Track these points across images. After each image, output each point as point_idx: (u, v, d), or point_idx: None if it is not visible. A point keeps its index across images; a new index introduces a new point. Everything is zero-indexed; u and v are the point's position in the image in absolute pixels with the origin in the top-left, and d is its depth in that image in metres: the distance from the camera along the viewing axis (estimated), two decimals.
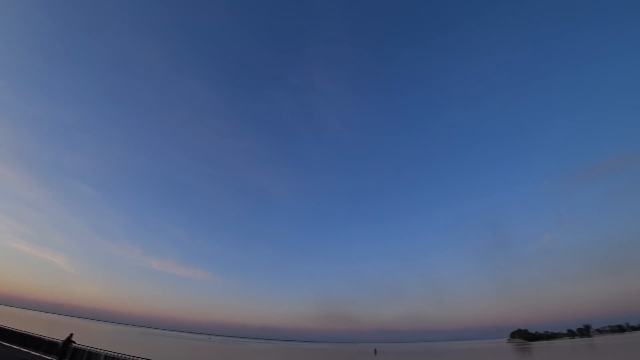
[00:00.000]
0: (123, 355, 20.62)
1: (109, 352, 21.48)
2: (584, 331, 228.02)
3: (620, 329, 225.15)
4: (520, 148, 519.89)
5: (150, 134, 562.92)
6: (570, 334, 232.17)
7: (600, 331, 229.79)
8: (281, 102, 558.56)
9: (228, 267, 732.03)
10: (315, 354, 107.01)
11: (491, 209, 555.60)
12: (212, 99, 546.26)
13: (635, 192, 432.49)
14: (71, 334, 23.56)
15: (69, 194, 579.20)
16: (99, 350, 22.07)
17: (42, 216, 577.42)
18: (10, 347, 26.93)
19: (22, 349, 26.60)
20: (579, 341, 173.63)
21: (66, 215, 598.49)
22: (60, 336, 25.57)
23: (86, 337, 60.94)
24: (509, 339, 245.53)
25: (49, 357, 24.18)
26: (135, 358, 20.09)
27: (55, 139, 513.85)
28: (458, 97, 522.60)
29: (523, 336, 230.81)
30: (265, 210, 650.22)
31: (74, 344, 23.17)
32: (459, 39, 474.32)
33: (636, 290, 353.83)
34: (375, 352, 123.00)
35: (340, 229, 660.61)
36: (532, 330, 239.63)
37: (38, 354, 25.22)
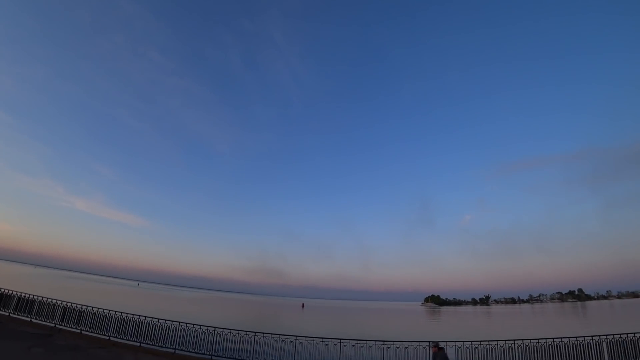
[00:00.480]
0: (40, 298, 19.04)
1: (22, 294, 19.67)
2: (484, 300, 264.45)
3: (512, 301, 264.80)
4: (455, 141, 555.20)
5: (78, 58, 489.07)
6: (473, 302, 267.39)
7: (497, 301, 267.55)
8: (231, 45, 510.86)
9: (160, 214, 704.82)
10: (246, 304, 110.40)
11: (422, 188, 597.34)
12: (154, 28, 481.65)
13: (541, 189, 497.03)
14: None
15: None
16: (11, 292, 20.14)
17: None
18: None
19: None
20: (479, 308, 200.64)
21: None
22: None
23: None
24: (422, 303, 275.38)
25: None
26: (54, 300, 18.70)
27: None
28: (414, 74, 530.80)
29: (435, 301, 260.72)
30: (202, 157, 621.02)
31: None
32: (425, 15, 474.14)
33: (526, 271, 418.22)
34: (303, 306, 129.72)
35: (277, 185, 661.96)
36: (442, 297, 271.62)
37: None
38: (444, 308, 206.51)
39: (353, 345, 13.93)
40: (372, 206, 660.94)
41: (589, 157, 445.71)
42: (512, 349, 13.53)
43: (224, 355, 14.46)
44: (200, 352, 14.83)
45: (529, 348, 13.63)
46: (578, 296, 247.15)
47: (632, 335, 14.25)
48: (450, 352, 13.57)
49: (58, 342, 15.07)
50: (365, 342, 13.97)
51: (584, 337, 14.14)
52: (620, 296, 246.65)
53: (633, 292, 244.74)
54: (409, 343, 13.71)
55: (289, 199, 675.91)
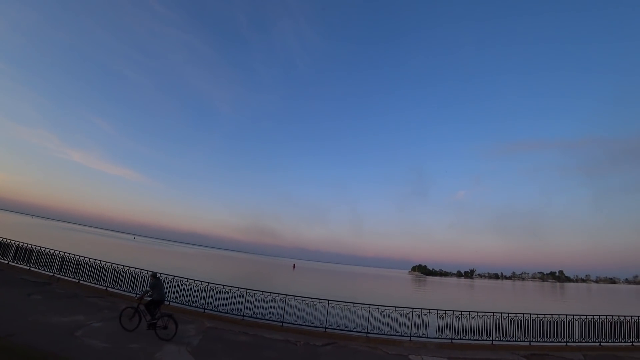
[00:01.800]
0: (38, 247, 19.16)
1: (21, 243, 19.38)
2: (469, 274, 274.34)
3: (496, 276, 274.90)
4: (456, 116, 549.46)
5: (73, 4, 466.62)
6: (458, 274, 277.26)
7: (481, 275, 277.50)
8: (237, 1, 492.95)
9: (157, 169, 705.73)
10: (239, 262, 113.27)
11: (419, 161, 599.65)
12: None
13: (538, 172, 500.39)
14: None
15: None
16: (9, 240, 19.84)
17: None
18: None
19: None
20: (463, 281, 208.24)
21: None
22: None
23: None
24: (409, 271, 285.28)
25: None
26: (52, 251, 18.91)
27: None
28: (424, 46, 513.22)
29: (421, 270, 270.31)
30: (201, 115, 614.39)
31: None
32: None
33: (512, 250, 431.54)
34: (294, 267, 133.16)
35: (277, 146, 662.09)
36: (429, 267, 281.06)
37: None
38: (429, 278, 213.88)
39: (340, 307, 14.52)
40: (369, 174, 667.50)
41: (588, 146, 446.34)
42: (490, 320, 14.23)
43: (216, 310, 15.08)
44: (194, 304, 15.40)
45: (506, 320, 14.34)
46: (558, 277, 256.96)
47: (604, 317, 14.99)
48: (432, 319, 14.29)
49: (57, 290, 15.57)
50: (352, 304, 14.57)
51: (558, 314, 14.89)
52: (598, 281, 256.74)
53: (610, 278, 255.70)
54: (394, 308, 14.36)
55: (287, 160, 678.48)
